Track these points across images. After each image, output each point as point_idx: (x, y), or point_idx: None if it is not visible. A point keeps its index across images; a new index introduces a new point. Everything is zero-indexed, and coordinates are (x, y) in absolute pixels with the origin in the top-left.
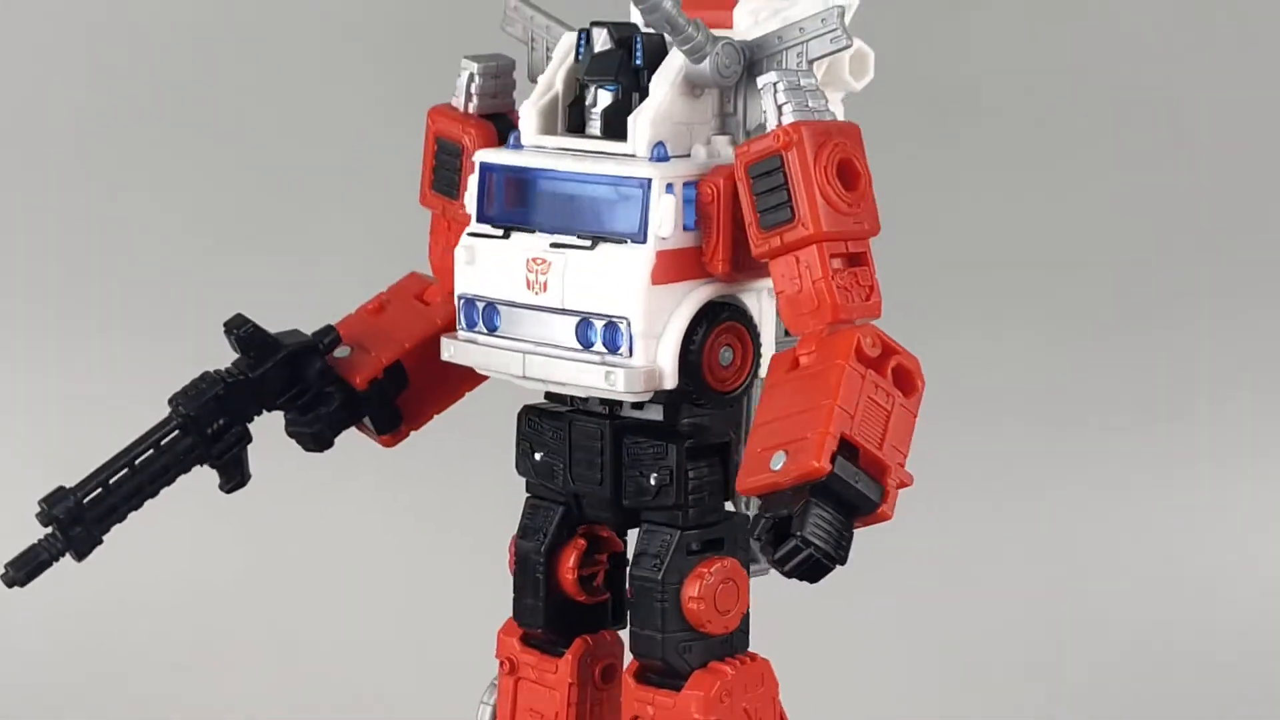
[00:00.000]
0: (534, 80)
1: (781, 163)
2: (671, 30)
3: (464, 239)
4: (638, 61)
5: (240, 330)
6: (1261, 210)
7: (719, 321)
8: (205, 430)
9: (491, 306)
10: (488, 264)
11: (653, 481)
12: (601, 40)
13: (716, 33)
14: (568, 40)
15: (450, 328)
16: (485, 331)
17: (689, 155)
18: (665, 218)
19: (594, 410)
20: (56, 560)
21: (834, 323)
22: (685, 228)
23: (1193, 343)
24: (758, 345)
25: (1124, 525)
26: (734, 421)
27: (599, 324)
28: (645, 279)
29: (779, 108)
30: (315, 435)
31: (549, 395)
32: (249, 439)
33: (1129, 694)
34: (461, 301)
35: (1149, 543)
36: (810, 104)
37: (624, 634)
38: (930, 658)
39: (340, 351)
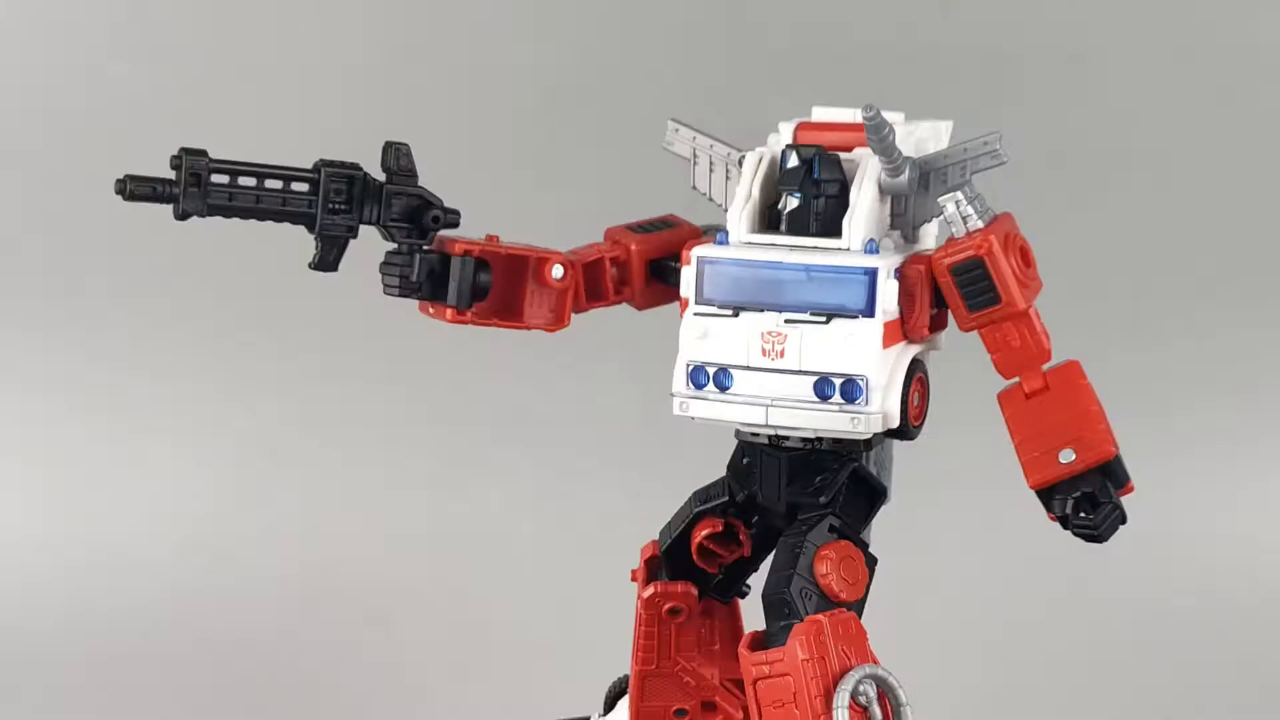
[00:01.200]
0: (695, 188)
1: (984, 264)
2: (886, 155)
3: (693, 318)
4: (815, 175)
5: (400, 153)
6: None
7: (914, 373)
8: (327, 197)
9: (724, 371)
10: (719, 337)
11: (819, 480)
12: (791, 159)
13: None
14: (755, 156)
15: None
16: (717, 391)
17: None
18: (890, 297)
19: (784, 447)
20: (162, 201)
21: (1047, 362)
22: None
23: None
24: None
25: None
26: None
27: (838, 381)
28: (879, 345)
29: (964, 218)
30: (403, 272)
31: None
32: (354, 235)
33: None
34: (690, 367)
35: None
36: (985, 208)
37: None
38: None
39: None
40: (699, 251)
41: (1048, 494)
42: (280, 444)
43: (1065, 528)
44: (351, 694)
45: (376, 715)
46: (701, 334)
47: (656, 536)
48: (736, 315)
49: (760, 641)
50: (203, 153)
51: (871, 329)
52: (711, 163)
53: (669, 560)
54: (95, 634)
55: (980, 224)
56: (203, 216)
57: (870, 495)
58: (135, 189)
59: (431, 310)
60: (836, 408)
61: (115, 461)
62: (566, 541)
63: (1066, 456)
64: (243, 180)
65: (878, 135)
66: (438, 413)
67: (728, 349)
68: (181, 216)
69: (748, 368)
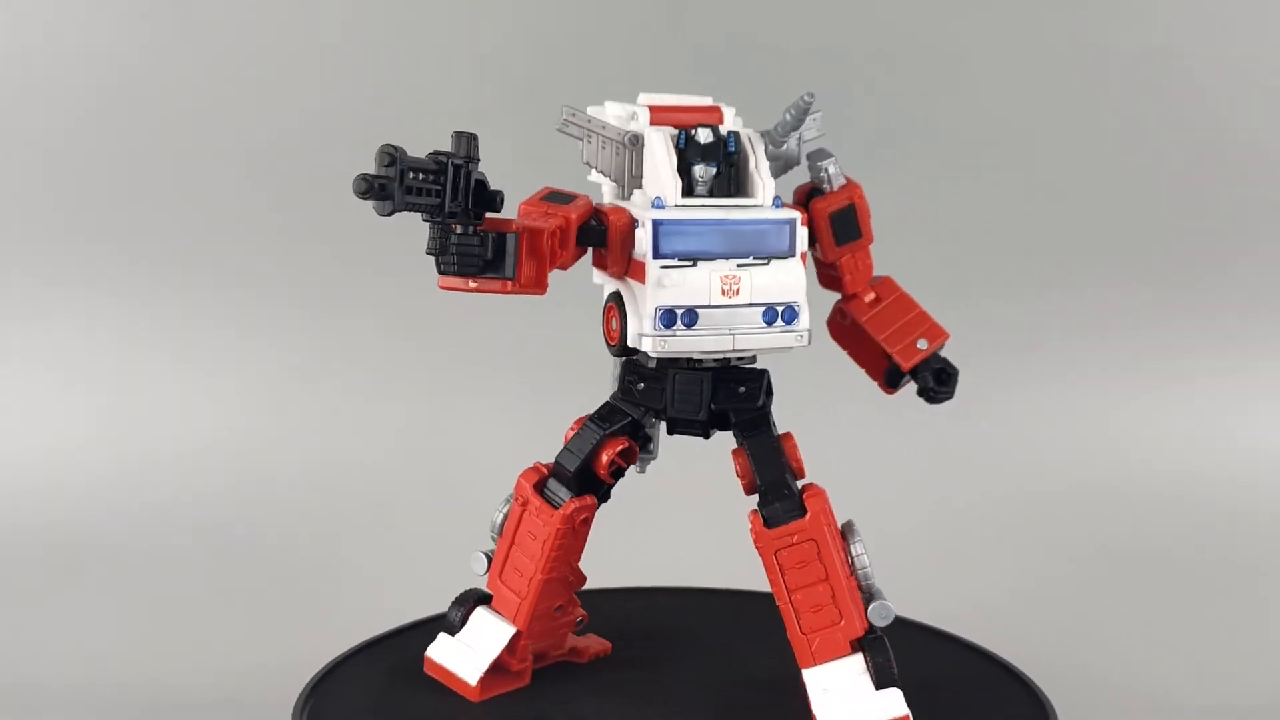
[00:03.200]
0: (587, 163)
1: (855, 209)
2: (782, 133)
3: (660, 271)
4: (730, 149)
5: (473, 142)
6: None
7: None
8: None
9: (690, 311)
10: (684, 284)
11: (743, 390)
12: (705, 136)
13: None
14: (661, 135)
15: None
16: (685, 328)
17: None
18: (804, 239)
19: (703, 366)
20: (380, 199)
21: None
22: None
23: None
24: None
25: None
26: None
27: (780, 308)
28: (803, 276)
29: (833, 177)
30: (478, 252)
31: (663, 360)
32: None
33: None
34: (660, 312)
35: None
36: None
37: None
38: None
39: None
40: (653, 216)
41: (914, 373)
42: (296, 370)
43: (928, 398)
44: (348, 563)
45: (365, 581)
46: (667, 283)
47: (532, 465)
48: (695, 265)
49: (769, 522)
50: (399, 154)
51: (797, 265)
52: (602, 142)
53: (578, 478)
54: (137, 523)
55: (843, 181)
56: (403, 209)
57: (769, 395)
58: (357, 188)
59: (473, 284)
60: (781, 329)
61: (163, 380)
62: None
63: (922, 344)
64: (420, 174)
65: (802, 115)
66: (428, 348)
67: (694, 293)
68: (389, 212)
69: (711, 306)
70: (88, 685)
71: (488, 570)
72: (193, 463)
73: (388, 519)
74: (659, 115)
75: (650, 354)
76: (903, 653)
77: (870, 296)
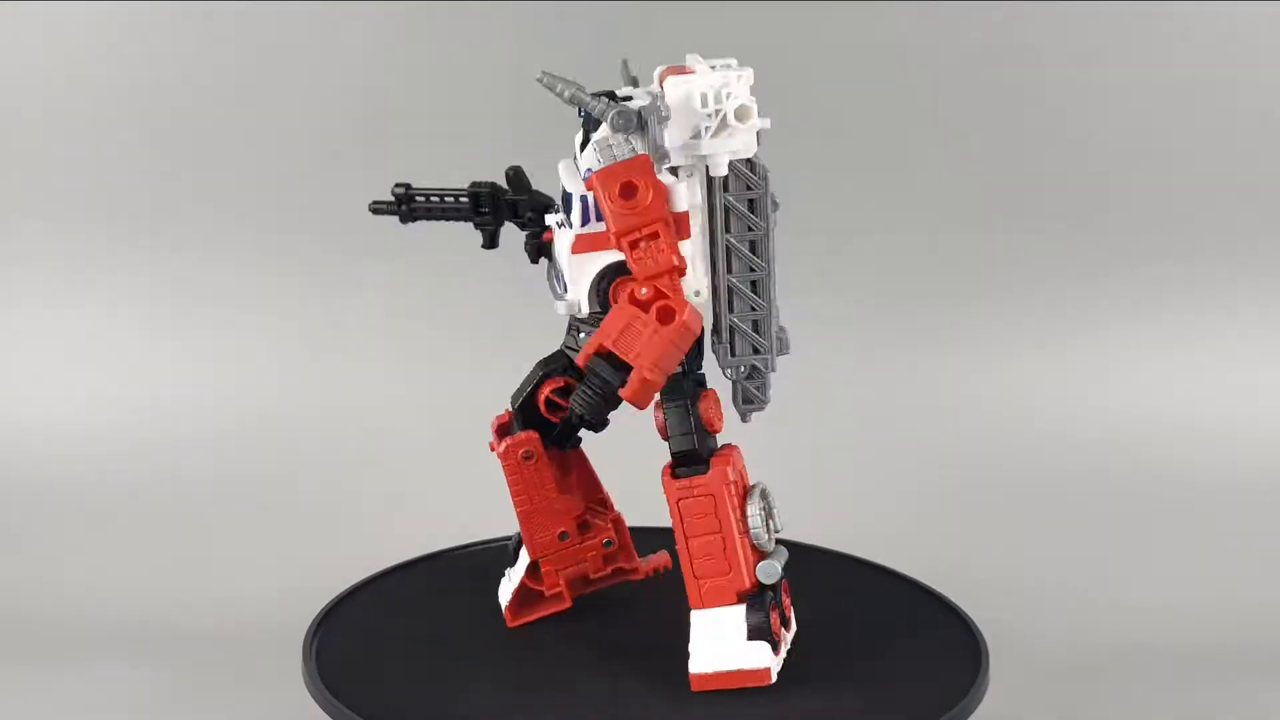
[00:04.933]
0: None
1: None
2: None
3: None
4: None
5: (521, 175)
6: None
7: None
8: (477, 202)
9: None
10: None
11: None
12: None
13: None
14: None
15: None
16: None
17: None
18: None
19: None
20: (392, 213)
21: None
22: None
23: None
24: None
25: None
26: None
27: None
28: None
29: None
30: (530, 255)
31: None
32: (500, 225)
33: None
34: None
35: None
36: (614, 155)
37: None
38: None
39: None
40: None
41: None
42: (309, 333)
43: None
44: (353, 501)
45: (370, 518)
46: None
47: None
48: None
49: (675, 473)
50: (407, 187)
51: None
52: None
53: (520, 415)
54: (160, 464)
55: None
56: (413, 219)
57: (700, 350)
58: (378, 206)
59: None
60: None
61: (190, 336)
62: None
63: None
64: (429, 195)
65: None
66: (424, 311)
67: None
68: (406, 220)
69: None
70: (104, 623)
71: None
72: (208, 411)
73: (392, 461)
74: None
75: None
76: (850, 587)
77: None
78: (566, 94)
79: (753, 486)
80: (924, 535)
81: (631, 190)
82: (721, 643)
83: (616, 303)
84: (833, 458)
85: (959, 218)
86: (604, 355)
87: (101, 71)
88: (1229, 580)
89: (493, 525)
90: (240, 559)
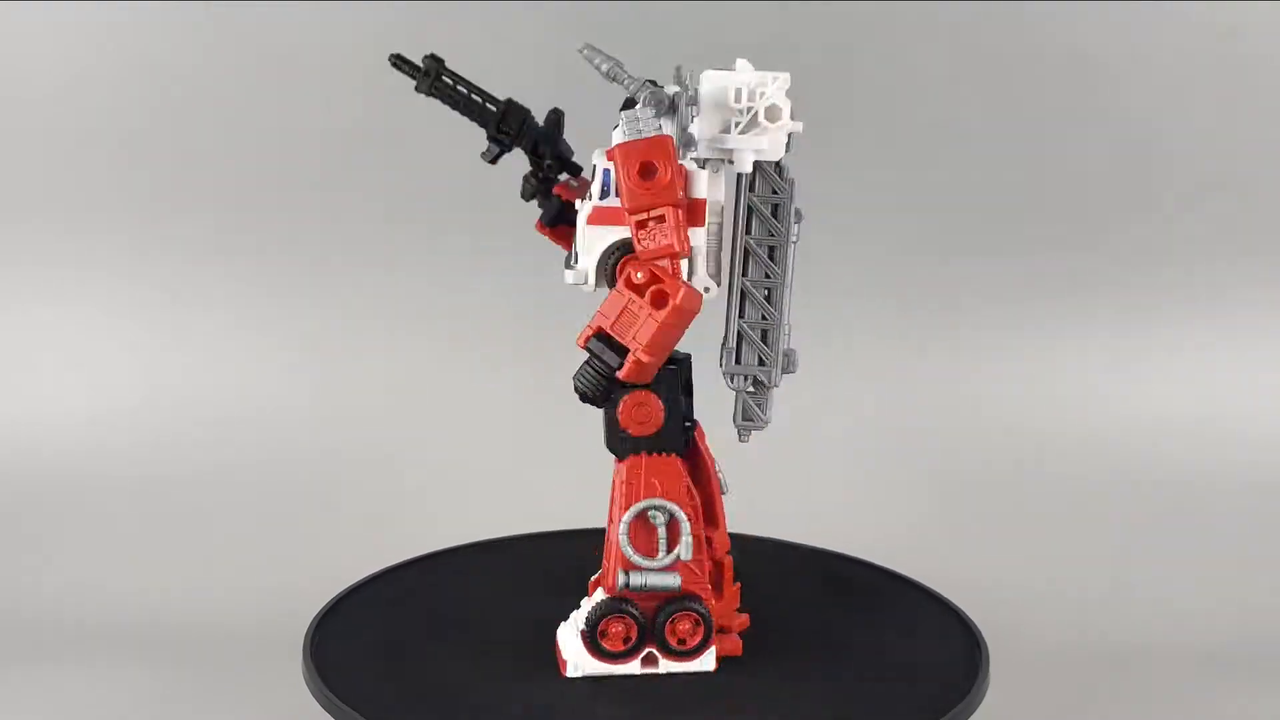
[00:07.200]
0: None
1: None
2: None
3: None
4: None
5: (560, 117)
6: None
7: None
8: (503, 117)
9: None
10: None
11: None
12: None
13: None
14: None
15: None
16: None
17: None
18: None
19: None
20: (411, 76)
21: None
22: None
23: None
24: None
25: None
26: None
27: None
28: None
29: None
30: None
31: None
32: (508, 150)
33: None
34: None
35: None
36: (640, 130)
37: None
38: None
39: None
40: None
41: None
42: (309, 332)
43: None
44: (354, 500)
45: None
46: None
47: None
48: None
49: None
50: (442, 61)
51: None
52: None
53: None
54: (160, 464)
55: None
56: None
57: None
58: (395, 62)
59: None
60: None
61: (191, 335)
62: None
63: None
64: (460, 87)
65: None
66: (425, 311)
67: None
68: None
69: None
70: (105, 623)
71: None
72: (208, 411)
73: (392, 460)
74: None
75: None
76: (850, 587)
77: None
78: (604, 67)
79: (657, 506)
80: (924, 536)
81: (650, 170)
82: (575, 622)
83: (618, 283)
84: (833, 458)
85: (960, 218)
86: (603, 337)
87: (102, 72)
88: (1229, 580)
89: (493, 525)
90: (241, 559)
